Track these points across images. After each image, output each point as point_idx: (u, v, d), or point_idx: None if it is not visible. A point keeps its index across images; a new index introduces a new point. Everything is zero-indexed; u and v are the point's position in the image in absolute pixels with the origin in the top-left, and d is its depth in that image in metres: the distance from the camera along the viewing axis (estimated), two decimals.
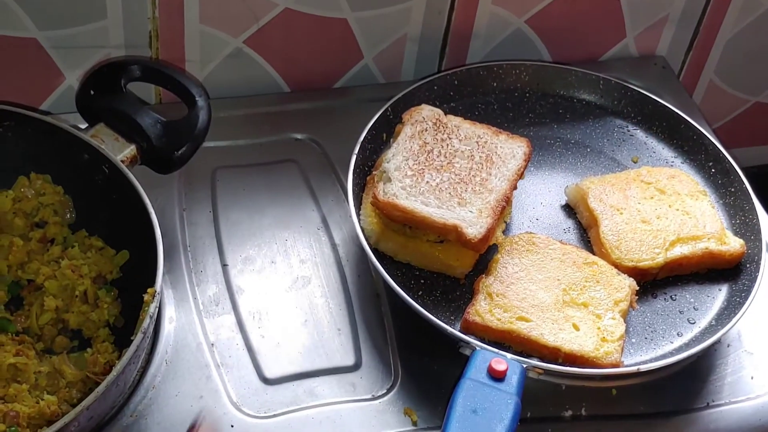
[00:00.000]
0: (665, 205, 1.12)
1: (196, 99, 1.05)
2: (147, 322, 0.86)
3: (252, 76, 1.25)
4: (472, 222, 1.03)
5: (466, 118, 1.20)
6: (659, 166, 1.20)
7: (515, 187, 1.10)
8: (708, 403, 1.02)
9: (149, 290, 0.89)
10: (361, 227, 1.05)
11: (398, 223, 1.05)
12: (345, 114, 1.25)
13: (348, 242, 1.11)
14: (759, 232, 1.10)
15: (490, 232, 1.03)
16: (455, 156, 1.09)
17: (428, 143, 1.10)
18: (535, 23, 1.31)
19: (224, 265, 1.07)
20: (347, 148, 1.14)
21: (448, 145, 1.10)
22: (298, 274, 1.07)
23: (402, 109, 1.17)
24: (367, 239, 1.04)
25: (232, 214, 1.12)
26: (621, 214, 1.10)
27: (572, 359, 0.98)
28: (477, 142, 1.11)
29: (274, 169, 1.18)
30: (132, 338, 0.86)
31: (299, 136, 1.22)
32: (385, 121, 1.16)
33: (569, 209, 1.15)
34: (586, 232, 1.13)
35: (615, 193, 1.12)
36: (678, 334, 1.04)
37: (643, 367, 0.98)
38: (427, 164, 1.08)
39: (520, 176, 1.11)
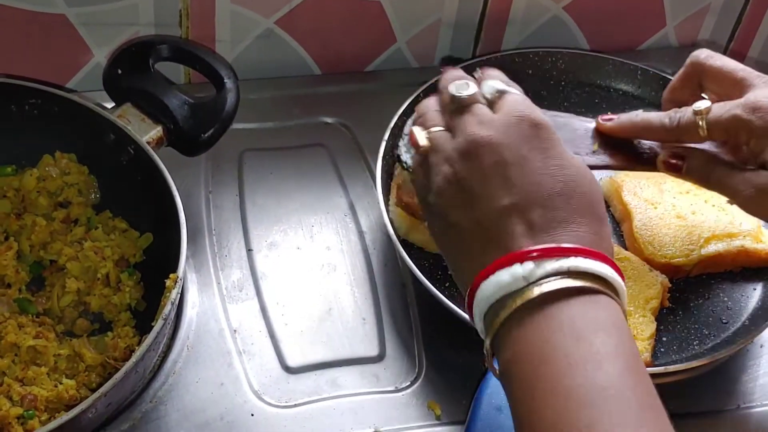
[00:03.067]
0: (701, 200, 1.09)
1: (225, 81, 1.03)
2: (168, 309, 0.85)
3: (283, 57, 1.23)
4: None
5: None
6: None
7: None
8: (739, 405, 0.99)
9: (171, 276, 0.88)
10: (390, 218, 1.03)
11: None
12: (376, 98, 1.23)
13: (375, 230, 1.09)
14: None
15: None
16: None
17: None
18: (572, 10, 1.28)
19: (249, 250, 1.05)
20: (378, 133, 1.12)
21: None
22: (324, 261, 1.06)
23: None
24: (396, 230, 1.02)
25: (259, 198, 1.11)
26: (655, 208, 1.07)
27: None
28: None
29: (303, 153, 1.16)
30: (153, 324, 0.84)
31: (329, 120, 1.20)
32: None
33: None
34: (619, 226, 1.10)
35: (650, 187, 1.09)
36: (710, 334, 1.01)
37: (671, 368, 0.95)
38: None
39: None
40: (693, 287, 1.05)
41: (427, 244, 1.04)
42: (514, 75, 1.20)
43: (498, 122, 0.75)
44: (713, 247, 1.05)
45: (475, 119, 0.76)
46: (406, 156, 0.89)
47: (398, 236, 1.02)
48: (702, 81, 0.96)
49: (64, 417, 0.78)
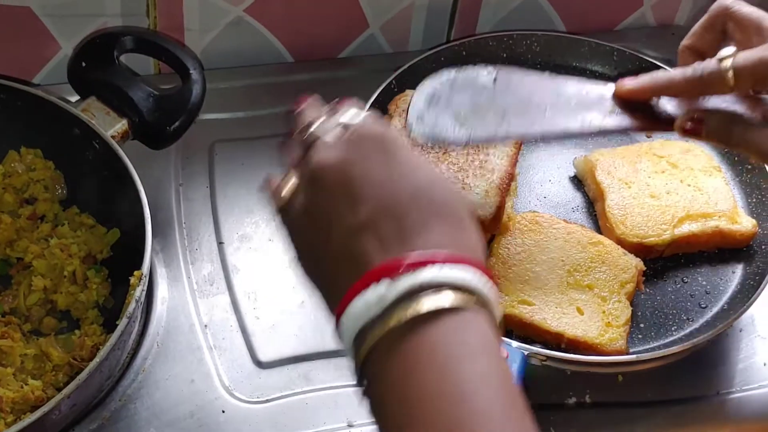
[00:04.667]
0: (677, 180, 1.08)
1: (191, 72, 1.01)
2: (132, 307, 0.84)
3: (254, 45, 1.21)
4: (480, 204, 1.01)
5: None
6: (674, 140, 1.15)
7: (516, 161, 1.06)
8: (718, 391, 0.98)
9: (135, 273, 0.86)
10: None
11: None
12: (350, 85, 1.21)
13: None
14: None
15: (499, 210, 1.01)
16: None
17: None
18: None
19: (220, 243, 1.04)
20: None
21: None
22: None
23: (408, 81, 1.13)
24: None
25: (230, 190, 1.09)
26: (629, 188, 1.06)
27: (575, 345, 0.95)
28: None
29: (275, 142, 1.13)
30: (117, 323, 0.83)
31: None
32: (389, 93, 1.12)
33: (578, 183, 1.11)
34: (593, 206, 1.09)
35: (624, 166, 1.08)
36: (688, 319, 1.00)
37: (643, 356, 0.94)
38: None
39: (519, 149, 1.07)
40: (671, 271, 1.04)
41: None
42: (489, 59, 1.20)
43: (341, 144, 0.69)
44: (687, 227, 1.04)
45: (320, 148, 0.69)
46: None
47: None
48: (725, 27, 0.90)
49: (26, 420, 0.76)
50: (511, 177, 1.04)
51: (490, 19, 1.27)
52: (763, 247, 1.05)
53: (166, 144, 1.02)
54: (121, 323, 0.82)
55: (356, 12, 1.22)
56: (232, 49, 1.21)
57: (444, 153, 1.05)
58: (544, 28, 1.27)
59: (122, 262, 0.94)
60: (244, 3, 1.17)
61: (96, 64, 1.02)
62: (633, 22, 1.33)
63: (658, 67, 1.19)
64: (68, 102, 1.00)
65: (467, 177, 1.02)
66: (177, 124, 1.00)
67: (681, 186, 1.07)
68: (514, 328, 0.96)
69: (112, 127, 0.98)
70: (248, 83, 1.20)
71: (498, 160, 1.04)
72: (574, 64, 1.21)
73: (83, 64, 1.02)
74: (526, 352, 0.91)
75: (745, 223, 1.05)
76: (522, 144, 1.08)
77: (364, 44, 1.25)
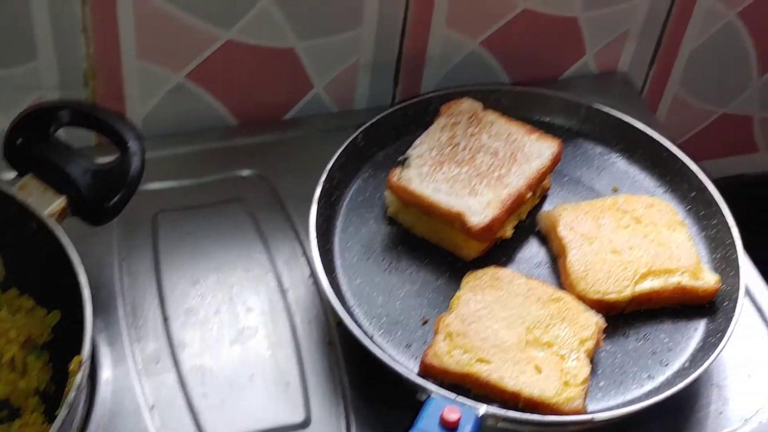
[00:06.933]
0: (640, 235, 1.07)
1: (129, 144, 0.99)
2: (73, 395, 0.81)
3: (196, 110, 1.20)
4: (478, 211, 1.03)
5: None
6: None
7: (545, 188, 1.13)
8: None
9: (75, 359, 0.84)
10: (384, 196, 1.09)
11: (409, 206, 1.06)
12: (296, 147, 1.20)
13: (298, 285, 1.06)
14: (738, 267, 1.04)
15: (494, 222, 1.03)
16: (480, 151, 1.10)
17: (457, 136, 1.11)
18: (490, 45, 1.26)
19: (165, 318, 1.02)
20: (299, 183, 1.10)
21: (476, 140, 1.11)
22: (244, 325, 1.02)
23: (374, 136, 1.14)
24: (386, 207, 1.09)
25: (175, 262, 1.07)
26: (591, 243, 1.05)
27: (532, 405, 0.93)
28: (506, 139, 1.11)
29: (220, 209, 1.12)
30: (56, 414, 0.80)
31: (246, 173, 1.17)
32: (353, 149, 1.12)
33: (543, 238, 1.10)
34: (556, 262, 1.08)
35: (587, 221, 1.07)
36: (649, 377, 0.98)
37: (600, 416, 0.93)
38: (449, 157, 1.09)
39: (543, 177, 1.10)
40: (632, 327, 1.02)
41: (412, 224, 1.08)
42: None
43: None
44: (648, 284, 1.03)
45: None
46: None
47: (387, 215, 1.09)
48: None
49: None
50: (521, 198, 1.07)
51: (434, 75, 1.26)
52: (725, 303, 1.03)
53: (106, 220, 0.99)
54: (61, 413, 0.80)
55: (300, 73, 1.21)
56: (175, 116, 1.19)
57: (471, 158, 1.08)
58: (489, 82, 1.26)
59: (64, 344, 0.92)
60: (185, 69, 1.15)
61: (32, 139, 1.00)
62: (576, 70, 1.33)
63: (624, 124, 1.19)
64: (4, 180, 0.98)
65: (481, 183, 1.06)
66: (116, 199, 0.97)
67: (644, 241, 1.06)
68: (472, 387, 0.95)
69: (49, 205, 0.96)
70: (192, 149, 1.18)
71: (516, 178, 1.07)
72: (540, 118, 1.21)
73: (19, 141, 1.00)
74: (480, 413, 0.89)
75: (708, 279, 1.03)
76: (549, 173, 1.12)
77: (309, 104, 1.24)
